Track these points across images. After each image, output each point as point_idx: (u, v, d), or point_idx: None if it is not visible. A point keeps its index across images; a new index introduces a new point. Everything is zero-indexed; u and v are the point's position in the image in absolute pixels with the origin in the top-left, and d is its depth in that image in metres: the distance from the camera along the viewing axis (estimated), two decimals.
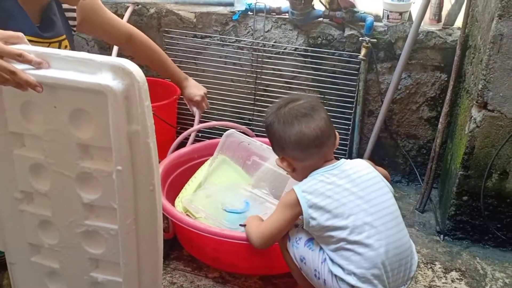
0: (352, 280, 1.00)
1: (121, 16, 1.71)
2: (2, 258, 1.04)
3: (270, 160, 1.46)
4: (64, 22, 1.18)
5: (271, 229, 1.09)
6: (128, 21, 1.71)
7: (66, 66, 0.75)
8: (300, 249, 1.07)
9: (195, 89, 1.54)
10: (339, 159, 1.10)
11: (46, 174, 0.85)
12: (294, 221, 1.09)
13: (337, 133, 1.12)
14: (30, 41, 0.84)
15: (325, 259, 1.04)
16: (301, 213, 1.05)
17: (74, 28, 1.25)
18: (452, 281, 1.37)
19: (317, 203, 1.02)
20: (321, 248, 1.05)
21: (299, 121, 1.06)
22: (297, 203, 1.04)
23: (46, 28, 1.09)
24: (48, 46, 1.09)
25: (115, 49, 1.79)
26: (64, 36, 1.16)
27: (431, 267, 1.42)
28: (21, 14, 1.02)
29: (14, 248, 0.95)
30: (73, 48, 1.24)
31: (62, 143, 0.81)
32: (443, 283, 1.36)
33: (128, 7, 1.80)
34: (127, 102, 0.75)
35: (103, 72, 0.73)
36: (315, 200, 1.02)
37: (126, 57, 0.91)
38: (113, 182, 0.81)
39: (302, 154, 1.07)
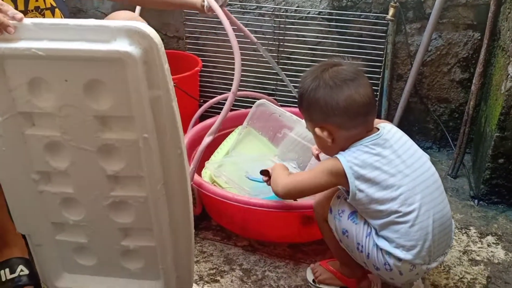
0: (400, 253, 0.96)
1: None
2: None
3: (295, 130, 1.42)
4: None
5: (304, 185, 1.04)
6: None
7: (76, 36, 0.71)
8: (343, 222, 1.02)
9: None
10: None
11: (65, 151, 0.83)
12: (328, 188, 1.05)
13: None
14: None
15: (369, 232, 1.00)
16: (341, 183, 1.00)
17: None
18: (488, 245, 1.33)
19: (365, 174, 0.96)
20: (365, 222, 1.00)
21: (348, 85, 0.97)
22: (342, 173, 0.98)
23: None
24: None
25: (138, 8, 1.72)
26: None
27: (465, 232, 1.38)
28: None
29: (38, 229, 0.94)
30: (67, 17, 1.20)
31: (78, 117, 0.78)
32: (479, 247, 1.32)
33: None
34: (147, 67, 0.72)
35: (118, 39, 0.70)
36: (362, 171, 0.96)
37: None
38: (136, 150, 0.80)
39: (349, 122, 0.98)
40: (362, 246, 1.01)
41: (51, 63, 0.74)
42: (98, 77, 0.75)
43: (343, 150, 1.01)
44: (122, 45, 0.70)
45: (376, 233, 0.99)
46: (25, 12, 1.08)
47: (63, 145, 0.82)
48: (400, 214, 0.96)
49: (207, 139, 1.27)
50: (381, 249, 0.98)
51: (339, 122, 0.99)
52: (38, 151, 0.84)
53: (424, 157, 1.03)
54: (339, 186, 1.04)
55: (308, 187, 1.04)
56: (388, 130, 1.02)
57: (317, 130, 1.02)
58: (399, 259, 0.97)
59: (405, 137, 1.03)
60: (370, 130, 1.02)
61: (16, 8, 1.06)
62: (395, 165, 0.97)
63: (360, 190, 0.97)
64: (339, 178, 0.99)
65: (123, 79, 0.73)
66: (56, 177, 0.88)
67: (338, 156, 1.00)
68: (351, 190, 0.98)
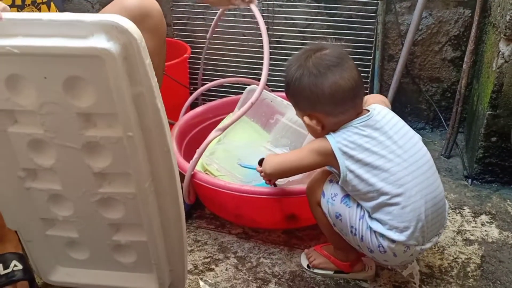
0: (393, 235, 0.96)
1: None
2: None
3: (287, 116, 1.41)
4: None
5: (290, 164, 1.04)
6: None
7: (52, 31, 0.69)
8: (336, 205, 1.02)
9: None
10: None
11: (49, 149, 0.82)
12: (315, 168, 1.05)
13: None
14: None
15: (363, 215, 1.00)
16: (330, 163, 1.00)
17: None
18: (482, 224, 1.34)
19: (355, 155, 0.96)
20: (358, 205, 1.00)
21: (332, 71, 0.96)
22: (330, 153, 0.98)
23: None
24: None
25: None
26: None
27: (459, 212, 1.38)
28: None
29: (27, 225, 0.94)
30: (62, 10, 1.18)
31: (61, 114, 0.76)
32: (473, 227, 1.33)
33: None
34: (127, 63, 0.70)
35: (95, 34, 0.68)
36: (352, 152, 0.96)
37: None
38: (122, 147, 0.79)
39: (336, 108, 0.98)
40: (355, 229, 1.01)
41: (28, 59, 0.72)
42: (78, 73, 0.72)
43: (333, 131, 1.00)
44: (100, 41, 0.68)
45: (369, 216, 0.99)
46: (23, 7, 1.06)
47: (47, 143, 0.81)
48: (392, 195, 0.96)
49: (214, 134, 1.24)
50: (374, 232, 0.98)
51: (327, 109, 0.98)
52: (22, 148, 0.82)
53: (416, 137, 1.02)
54: (332, 169, 1.04)
55: (295, 166, 1.04)
56: (378, 111, 1.02)
57: (305, 119, 1.01)
58: (393, 241, 0.97)
59: (396, 118, 1.03)
60: (360, 112, 1.01)
61: (13, 2, 1.05)
62: (385, 146, 0.97)
63: (351, 171, 0.97)
64: (328, 158, 0.99)
65: (104, 76, 0.71)
66: (42, 174, 0.87)
67: (327, 136, 0.99)
68: (342, 171, 0.97)
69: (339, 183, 1.00)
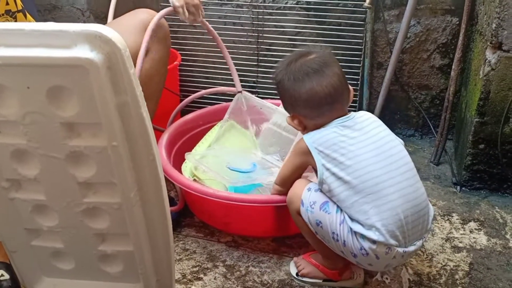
0: (373, 235, 0.97)
1: None
2: None
3: (273, 120, 1.41)
4: None
5: (286, 172, 1.12)
6: None
7: (34, 42, 0.68)
8: (315, 213, 1.04)
9: None
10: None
11: (33, 159, 0.81)
12: (303, 169, 1.11)
13: (351, 88, 1.08)
14: None
15: (343, 220, 1.01)
16: (310, 162, 1.04)
17: None
18: (471, 231, 1.34)
19: (330, 154, 1.00)
20: (337, 210, 1.02)
21: (310, 78, 1.02)
22: (307, 151, 1.03)
23: None
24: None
25: (110, 17, 1.72)
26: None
27: (448, 219, 1.39)
28: None
29: (12, 236, 0.93)
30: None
31: (44, 124, 0.75)
32: (461, 234, 1.33)
33: None
34: (111, 72, 0.70)
35: (79, 44, 0.67)
36: (327, 151, 1.00)
37: None
38: (107, 157, 0.78)
39: (313, 112, 1.04)
40: (337, 235, 1.01)
41: (10, 69, 0.71)
42: (61, 83, 0.71)
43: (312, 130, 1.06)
44: (83, 52, 0.67)
45: (350, 218, 1.00)
46: None
47: (30, 153, 0.80)
48: (367, 193, 0.97)
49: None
50: (355, 233, 0.99)
51: (304, 113, 1.06)
52: (5, 159, 0.81)
53: (396, 141, 1.05)
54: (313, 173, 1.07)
55: (290, 172, 1.12)
56: (360, 115, 1.07)
57: (287, 119, 1.10)
58: (373, 241, 0.98)
59: (378, 122, 1.07)
60: (340, 115, 1.05)
61: None
62: (362, 146, 1.00)
63: (327, 169, 1.00)
64: (307, 156, 1.04)
65: (88, 85, 0.70)
66: (26, 185, 0.85)
67: (303, 136, 1.05)
68: (318, 169, 1.01)
69: (317, 183, 1.03)
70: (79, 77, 0.70)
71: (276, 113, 1.42)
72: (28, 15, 1.13)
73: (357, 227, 0.99)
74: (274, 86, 1.11)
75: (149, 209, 0.85)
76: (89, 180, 0.82)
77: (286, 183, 1.13)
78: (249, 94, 1.50)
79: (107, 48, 0.68)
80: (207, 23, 1.40)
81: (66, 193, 0.84)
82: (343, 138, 1.01)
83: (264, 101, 1.50)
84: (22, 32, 0.68)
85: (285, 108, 1.12)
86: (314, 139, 1.02)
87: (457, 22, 1.58)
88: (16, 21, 1.09)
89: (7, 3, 1.07)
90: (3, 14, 1.07)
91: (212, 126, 1.54)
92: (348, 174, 0.98)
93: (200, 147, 1.47)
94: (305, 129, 1.08)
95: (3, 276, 1.10)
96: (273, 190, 1.18)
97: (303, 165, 1.09)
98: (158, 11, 1.78)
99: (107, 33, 0.68)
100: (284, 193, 1.13)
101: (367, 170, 0.98)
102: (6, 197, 0.87)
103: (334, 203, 1.02)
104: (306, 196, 1.06)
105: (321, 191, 1.05)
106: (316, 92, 1.02)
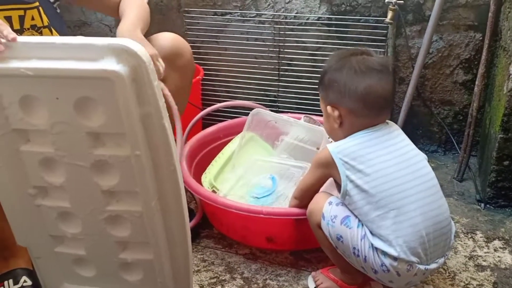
0: (394, 252, 0.95)
1: None
2: None
3: (291, 134, 1.42)
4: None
5: (306, 184, 1.10)
6: (148, 3, 1.69)
7: (64, 54, 0.72)
8: (336, 227, 1.02)
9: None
10: None
11: (59, 167, 0.84)
12: (323, 182, 1.09)
13: None
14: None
15: (364, 235, 0.99)
16: (333, 174, 1.02)
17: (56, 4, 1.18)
18: (495, 250, 1.31)
19: (355, 165, 0.98)
20: (359, 225, 1.01)
21: (372, 74, 0.99)
22: (331, 162, 1.00)
23: None
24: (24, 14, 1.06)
25: None
26: (37, 4, 1.10)
27: (471, 237, 1.36)
28: None
29: (37, 242, 0.96)
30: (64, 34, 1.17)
31: (71, 134, 0.79)
32: (485, 252, 1.30)
33: None
34: (136, 84, 0.73)
35: (106, 57, 0.71)
36: (352, 162, 0.98)
37: None
38: (130, 166, 0.80)
39: (364, 110, 1.00)
40: (358, 250, 1.00)
41: (41, 81, 0.75)
42: (89, 94, 0.75)
43: (346, 136, 1.03)
44: (110, 64, 0.71)
45: (371, 233, 0.99)
46: (21, 31, 1.09)
47: (57, 161, 0.83)
48: (389, 208, 0.96)
49: None
50: (376, 249, 0.98)
51: (353, 107, 1.01)
52: (33, 167, 0.85)
53: (420, 156, 1.04)
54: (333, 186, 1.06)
55: (310, 184, 1.10)
56: (389, 126, 1.05)
57: (328, 108, 1.03)
58: (395, 258, 0.96)
59: (404, 135, 1.06)
60: (379, 123, 1.03)
61: (11, 27, 1.07)
62: (387, 159, 0.99)
63: (351, 181, 0.98)
64: (330, 168, 1.02)
65: (113, 97, 0.74)
66: (52, 192, 0.89)
67: (328, 146, 1.02)
68: (342, 181, 0.99)
69: (340, 195, 1.01)
70: (106, 88, 0.73)
71: (295, 126, 1.43)
72: (54, 31, 1.16)
73: (378, 243, 0.98)
74: (323, 73, 1.05)
75: (169, 218, 0.87)
76: (112, 188, 0.85)
77: (305, 196, 1.13)
78: (263, 110, 1.50)
79: (133, 61, 0.71)
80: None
81: (90, 200, 0.87)
82: (369, 149, 0.99)
83: (280, 114, 1.51)
84: (53, 46, 0.72)
85: (328, 97, 1.04)
86: (339, 149, 1.00)
87: (481, 38, 1.57)
88: (41, 35, 1.12)
89: (33, 18, 1.11)
90: (28, 29, 1.11)
91: (232, 139, 1.55)
92: (372, 187, 0.97)
93: (217, 162, 1.47)
94: (340, 126, 1.03)
95: (26, 282, 1.12)
96: (292, 203, 1.18)
97: (324, 177, 1.08)
98: (183, 25, 1.83)
99: (133, 46, 0.71)
100: (303, 206, 1.13)
101: (391, 185, 0.97)
102: (32, 204, 0.90)
103: (356, 217, 1.02)
104: (328, 209, 1.05)
105: (342, 205, 1.04)
106: (376, 91, 0.98)
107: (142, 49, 0.72)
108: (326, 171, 1.04)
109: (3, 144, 0.83)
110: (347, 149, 1.00)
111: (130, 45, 0.71)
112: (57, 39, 0.73)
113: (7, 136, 0.82)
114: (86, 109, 0.77)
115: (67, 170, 0.84)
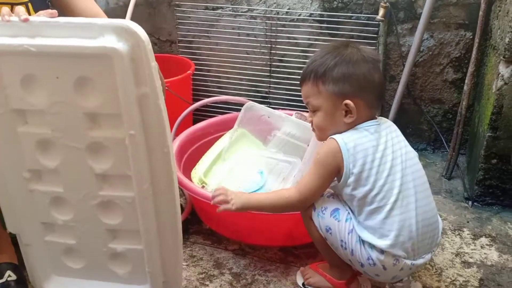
0: (382, 243, 0.96)
1: None
2: None
3: (283, 130, 1.42)
4: None
5: (313, 183, 1.02)
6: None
7: (67, 33, 0.74)
8: (326, 219, 1.03)
9: None
10: None
11: (55, 149, 0.84)
12: (332, 178, 1.02)
13: None
14: None
15: (352, 229, 1.00)
16: (338, 165, 0.99)
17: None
18: (482, 247, 1.32)
19: (358, 159, 0.98)
20: (347, 219, 1.01)
21: (377, 65, 1.02)
22: (337, 151, 0.98)
23: None
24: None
25: (129, 13, 1.69)
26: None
27: (459, 234, 1.37)
28: None
29: (27, 229, 0.95)
30: None
31: (69, 114, 0.80)
32: (472, 249, 1.31)
33: None
34: (134, 64, 0.74)
35: (106, 35, 0.72)
36: (357, 155, 0.98)
37: None
38: (124, 149, 0.81)
39: (374, 101, 1.01)
40: (345, 243, 1.01)
41: (42, 59, 0.76)
42: (88, 74, 0.76)
43: (347, 129, 1.01)
44: (110, 41, 0.72)
45: (359, 224, 1.00)
46: None
47: (53, 143, 0.84)
48: (384, 202, 0.97)
49: None
50: (363, 242, 0.99)
51: (368, 98, 1.01)
52: (30, 148, 0.85)
53: (413, 153, 1.05)
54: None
55: (319, 181, 1.02)
56: (385, 120, 1.06)
57: (348, 101, 0.98)
58: (382, 251, 0.97)
59: (398, 131, 1.06)
60: (373, 118, 1.04)
61: None
62: (386, 154, 0.99)
63: (352, 173, 0.98)
64: (335, 158, 0.99)
65: (111, 76, 0.74)
66: (46, 176, 0.89)
67: (334, 136, 1.00)
68: (345, 172, 0.98)
69: (340, 182, 1.00)
70: (105, 67, 0.74)
71: (286, 122, 1.43)
72: (31, 9, 1.12)
73: (366, 236, 0.98)
74: (333, 66, 0.99)
75: (160, 204, 0.87)
76: (106, 172, 0.85)
77: (313, 196, 1.05)
78: (256, 104, 1.50)
79: (132, 40, 0.73)
80: None
81: (83, 185, 0.87)
82: (371, 143, 0.99)
83: (272, 110, 1.51)
84: (57, 24, 0.74)
85: (338, 91, 0.99)
86: (346, 141, 0.99)
87: (471, 37, 1.58)
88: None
89: None
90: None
91: (222, 135, 1.54)
92: (371, 182, 0.98)
93: (207, 158, 1.46)
94: (350, 118, 1.00)
95: (10, 276, 1.11)
96: (296, 204, 1.07)
97: (332, 173, 1.01)
98: (174, 20, 1.81)
99: (133, 26, 0.72)
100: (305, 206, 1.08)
101: (388, 180, 0.98)
102: (26, 189, 0.90)
103: (345, 210, 1.02)
104: (319, 200, 1.05)
105: (333, 197, 1.05)
106: (382, 82, 1.03)
107: (141, 29, 0.73)
108: (334, 163, 0.99)
109: (1, 124, 0.83)
110: (352, 142, 0.98)
111: (130, 25, 0.72)
112: (61, 18, 0.75)
113: (6, 116, 0.82)
114: (84, 89, 0.78)
115: (62, 152, 0.84)
